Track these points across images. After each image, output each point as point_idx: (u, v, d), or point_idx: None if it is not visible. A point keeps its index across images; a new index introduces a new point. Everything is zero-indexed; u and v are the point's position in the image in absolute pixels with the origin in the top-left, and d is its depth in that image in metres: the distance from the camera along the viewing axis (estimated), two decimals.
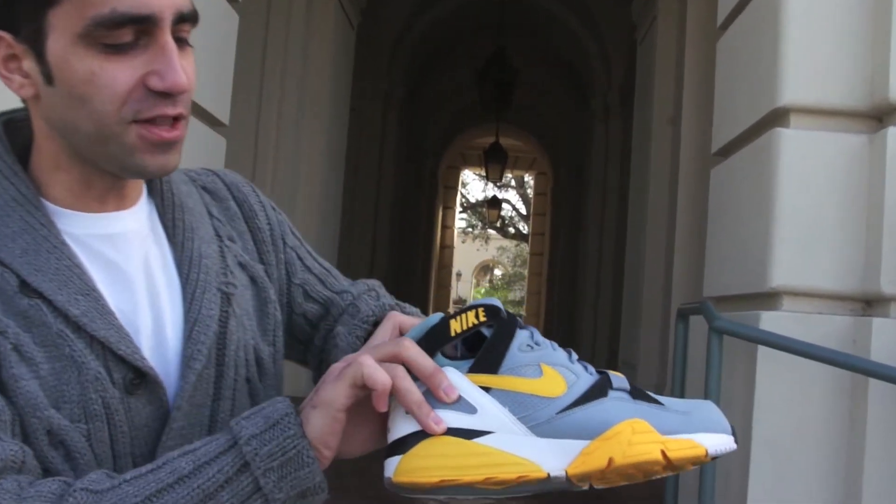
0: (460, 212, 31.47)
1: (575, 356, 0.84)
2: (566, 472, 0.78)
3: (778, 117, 2.94)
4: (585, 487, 0.81)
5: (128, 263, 0.94)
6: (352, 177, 9.71)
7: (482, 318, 0.83)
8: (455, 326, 0.82)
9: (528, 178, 29.21)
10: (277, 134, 6.68)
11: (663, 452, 0.78)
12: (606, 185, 11.03)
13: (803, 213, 2.85)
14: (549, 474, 0.78)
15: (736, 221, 3.22)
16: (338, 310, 1.14)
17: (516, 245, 35.52)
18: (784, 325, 2.72)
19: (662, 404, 0.82)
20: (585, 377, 0.82)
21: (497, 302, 0.84)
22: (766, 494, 2.76)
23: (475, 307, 0.83)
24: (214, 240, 1.04)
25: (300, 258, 1.14)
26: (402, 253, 13.95)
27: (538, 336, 0.84)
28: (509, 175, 29.08)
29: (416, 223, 15.54)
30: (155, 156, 0.89)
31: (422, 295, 15.75)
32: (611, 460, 0.78)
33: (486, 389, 0.80)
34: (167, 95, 0.87)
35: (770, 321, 2.75)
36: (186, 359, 0.94)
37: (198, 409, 0.94)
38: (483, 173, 21.82)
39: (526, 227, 30.86)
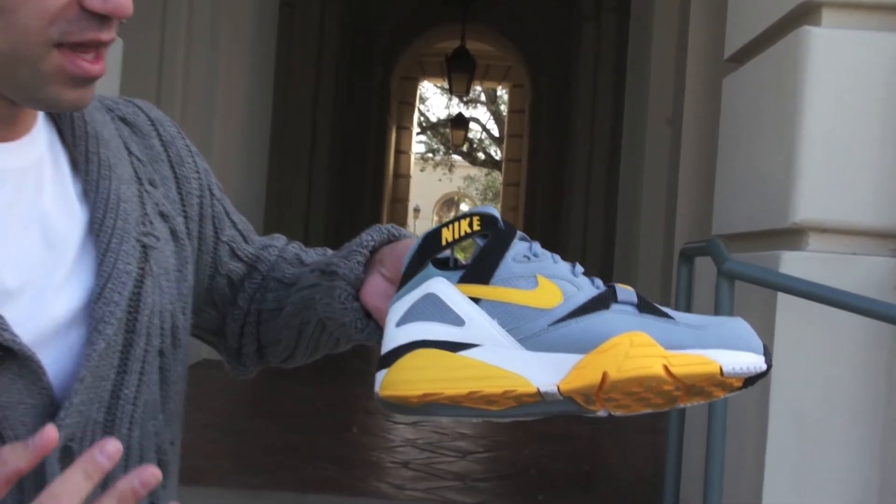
0: (418, 133, 31.36)
1: (580, 269, 0.92)
2: (558, 387, 0.86)
3: (807, 13, 2.92)
4: (600, 413, 0.88)
5: (13, 206, 0.93)
6: (283, 90, 9.59)
7: (476, 227, 0.92)
8: (447, 235, 0.92)
9: (502, 92, 29.09)
10: (189, 35, 6.54)
11: (666, 368, 0.84)
12: (597, 100, 11.00)
13: (835, 131, 2.84)
14: (538, 389, 0.86)
15: (753, 141, 3.21)
16: (265, 266, 1.20)
17: (487, 174, 35.53)
18: (810, 268, 2.73)
19: (673, 318, 0.88)
20: (588, 290, 0.90)
21: (494, 210, 0.93)
22: (787, 474, 2.79)
23: (469, 215, 0.92)
24: (133, 181, 1.05)
25: (227, 212, 1.18)
26: (346, 184, 13.89)
27: (538, 248, 0.93)
28: (478, 88, 28.92)
29: (364, 147, 15.45)
30: (72, 90, 0.89)
31: None
32: (605, 375, 0.84)
33: (476, 300, 0.90)
34: (105, 19, 0.88)
35: (792, 263, 2.76)
36: (95, 321, 0.94)
37: (100, 383, 0.94)
38: (446, 86, 21.67)
39: (498, 152, 30.82)
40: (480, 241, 0.92)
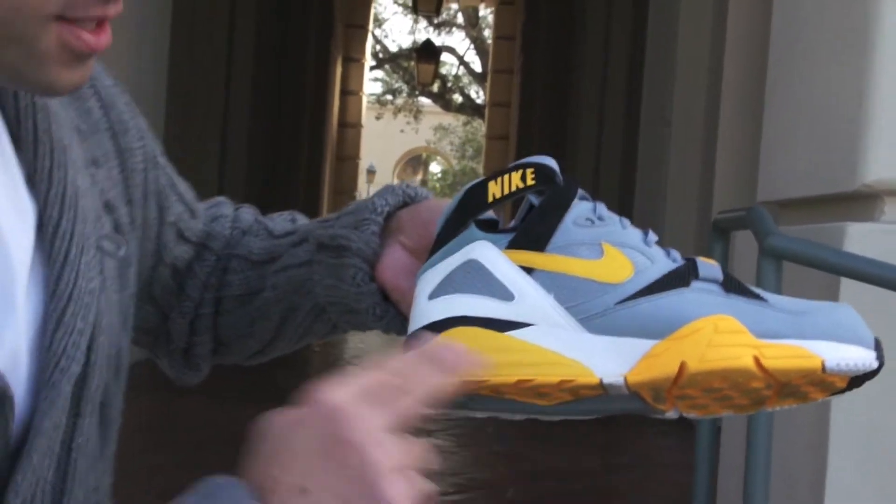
0: (373, 67, 31.25)
1: (654, 237, 0.98)
2: (625, 379, 0.91)
3: None
4: (670, 413, 0.93)
5: None
6: (188, 15, 9.54)
7: (530, 182, 0.97)
8: (494, 189, 0.97)
9: (485, 12, 29.02)
10: None
11: (757, 360, 0.88)
12: (612, 22, 11.01)
13: None
14: (601, 380, 0.91)
15: (811, 74, 3.23)
16: (218, 243, 1.24)
17: (465, 123, 35.51)
18: (884, 245, 2.75)
19: (766, 300, 0.93)
20: (663, 262, 0.95)
21: (551, 162, 0.98)
22: None
23: (522, 166, 0.97)
24: (87, 166, 1.05)
25: (173, 183, 1.20)
26: (274, 136, 13.83)
27: (604, 210, 0.99)
28: (453, 6, 28.84)
29: (298, 86, 15.39)
30: (72, 69, 0.90)
31: (308, 204, 15.69)
32: (683, 366, 0.89)
33: (528, 271, 0.95)
34: None
35: (861, 238, 2.79)
36: (55, 356, 0.94)
37: (54, 432, 0.94)
38: (410, 3, 21.58)
39: (481, 94, 30.76)
40: (535, 199, 0.97)
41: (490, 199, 0.97)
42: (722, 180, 5.89)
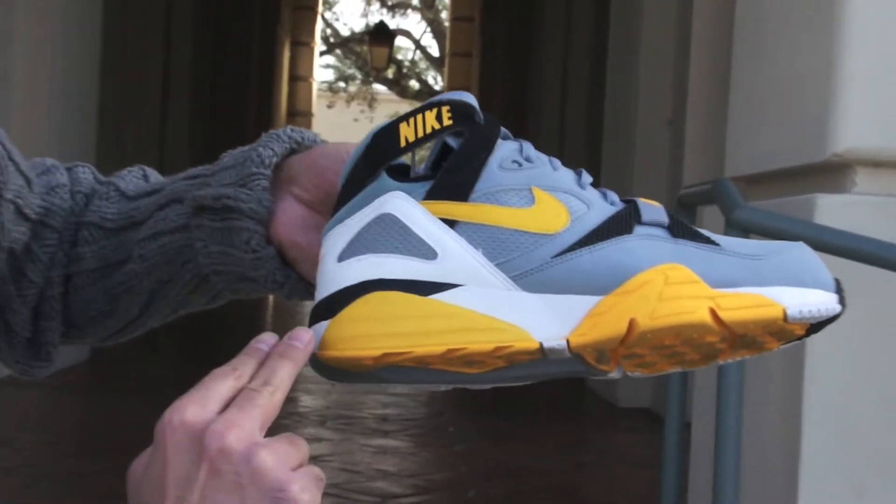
0: (323, 52, 31.20)
1: (588, 179, 0.94)
2: (567, 341, 0.88)
3: None
4: (613, 374, 0.90)
5: None
6: None
7: (447, 122, 0.92)
8: (406, 132, 0.92)
9: None
10: None
11: (713, 312, 0.86)
12: (573, 2, 11.01)
13: (893, 25, 2.86)
14: (541, 344, 0.88)
15: (777, 45, 3.23)
16: (58, 218, 1.15)
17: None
18: (857, 217, 2.74)
19: (718, 245, 0.90)
20: (601, 207, 0.92)
21: (470, 98, 0.93)
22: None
23: (437, 104, 0.92)
24: None
25: (9, 150, 1.11)
26: (217, 127, 13.77)
27: (531, 150, 0.94)
28: None
29: (242, 73, 15.33)
30: None
31: None
32: (632, 323, 0.86)
33: (451, 224, 0.91)
34: None
35: (832, 210, 2.78)
36: None
37: None
38: None
39: (439, 79, 30.77)
40: (453, 142, 0.93)
41: (402, 143, 0.92)
42: (691, 157, 5.90)
